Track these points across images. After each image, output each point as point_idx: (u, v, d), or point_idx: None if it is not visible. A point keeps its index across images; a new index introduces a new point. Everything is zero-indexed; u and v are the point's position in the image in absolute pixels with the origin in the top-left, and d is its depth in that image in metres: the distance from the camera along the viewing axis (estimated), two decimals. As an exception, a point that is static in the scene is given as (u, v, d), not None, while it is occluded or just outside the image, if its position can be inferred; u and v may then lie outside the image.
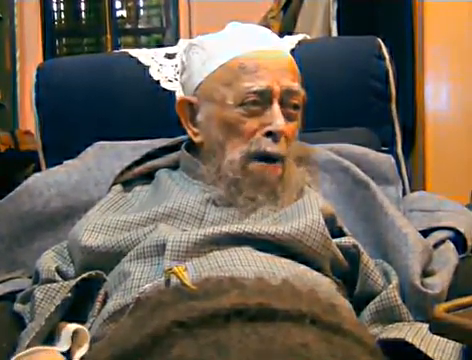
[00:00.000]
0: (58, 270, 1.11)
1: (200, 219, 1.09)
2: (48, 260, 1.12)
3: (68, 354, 0.95)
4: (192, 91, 1.18)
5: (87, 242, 1.07)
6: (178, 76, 1.44)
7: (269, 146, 1.10)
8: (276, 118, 1.10)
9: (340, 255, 1.06)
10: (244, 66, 1.11)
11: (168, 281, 0.91)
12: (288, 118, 1.13)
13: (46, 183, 1.28)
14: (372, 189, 1.18)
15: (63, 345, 0.95)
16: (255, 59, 1.11)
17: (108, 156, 1.35)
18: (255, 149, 1.10)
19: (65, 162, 1.36)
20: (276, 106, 1.10)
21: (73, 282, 1.02)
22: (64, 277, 1.11)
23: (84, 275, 1.03)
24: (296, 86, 1.14)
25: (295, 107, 1.14)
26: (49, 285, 1.05)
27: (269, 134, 1.10)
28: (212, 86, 1.14)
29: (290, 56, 1.18)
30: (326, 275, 1.03)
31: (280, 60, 1.14)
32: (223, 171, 1.11)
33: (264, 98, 1.10)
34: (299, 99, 1.15)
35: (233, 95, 1.11)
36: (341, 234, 1.11)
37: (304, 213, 1.05)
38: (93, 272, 1.03)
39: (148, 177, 1.24)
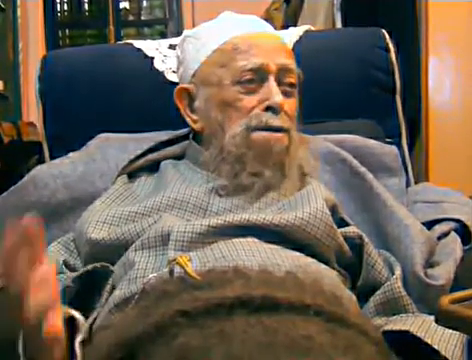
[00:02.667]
0: (65, 263, 1.11)
1: (204, 209, 1.08)
2: (55, 253, 1.12)
3: None
4: (188, 79, 1.18)
5: (93, 234, 1.07)
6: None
7: (270, 119, 1.10)
8: (274, 93, 1.10)
9: (345, 245, 1.06)
10: (238, 47, 1.12)
11: (172, 271, 0.91)
12: (285, 95, 1.12)
13: (52, 175, 1.28)
14: (368, 180, 1.18)
15: None
16: (248, 39, 1.13)
17: (113, 147, 1.34)
18: (256, 123, 1.10)
19: (70, 154, 1.35)
20: (272, 82, 1.11)
21: (77, 273, 1.02)
22: (71, 270, 1.10)
23: (88, 267, 1.02)
24: (291, 63, 1.14)
25: (291, 85, 1.15)
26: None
27: (268, 109, 1.10)
28: (208, 70, 1.14)
29: (283, 38, 1.20)
30: (332, 267, 1.03)
31: (273, 40, 1.16)
32: (225, 149, 1.10)
33: (260, 75, 1.11)
34: (294, 77, 1.15)
35: (229, 75, 1.11)
36: (344, 224, 1.11)
37: (308, 202, 1.05)
38: (98, 264, 1.03)
39: (153, 168, 1.24)
